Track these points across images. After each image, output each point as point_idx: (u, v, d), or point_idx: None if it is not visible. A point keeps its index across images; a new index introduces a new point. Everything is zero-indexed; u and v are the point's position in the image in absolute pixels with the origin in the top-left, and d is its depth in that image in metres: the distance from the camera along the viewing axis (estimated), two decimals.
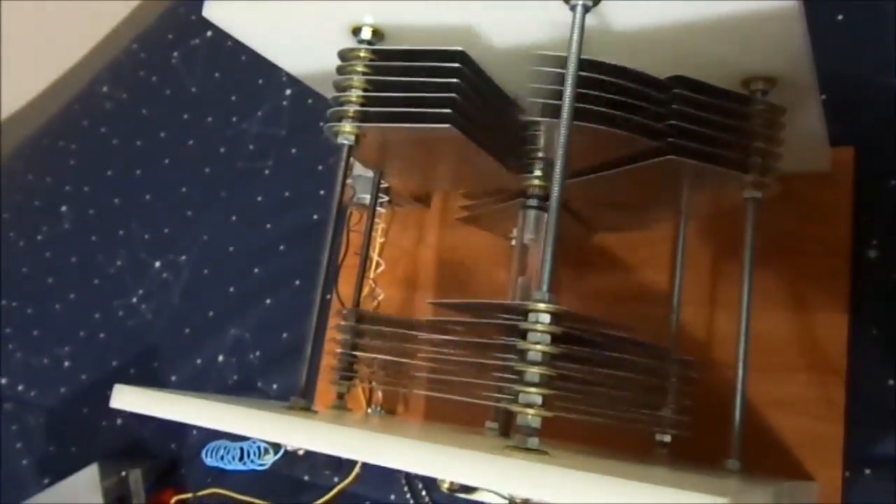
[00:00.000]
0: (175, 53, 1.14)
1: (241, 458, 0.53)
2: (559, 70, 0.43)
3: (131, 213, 1.10)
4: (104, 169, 1.16)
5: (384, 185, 0.78)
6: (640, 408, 0.48)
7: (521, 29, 0.47)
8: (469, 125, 0.47)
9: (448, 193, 0.81)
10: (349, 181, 0.81)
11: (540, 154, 0.54)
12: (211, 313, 0.98)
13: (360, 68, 0.49)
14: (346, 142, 0.49)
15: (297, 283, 0.92)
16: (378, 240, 0.80)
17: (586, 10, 0.43)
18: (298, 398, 0.45)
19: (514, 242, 0.61)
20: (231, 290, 0.97)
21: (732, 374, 0.51)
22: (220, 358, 0.95)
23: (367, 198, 0.76)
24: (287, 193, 0.97)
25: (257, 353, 0.93)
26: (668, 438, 0.56)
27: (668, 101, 0.46)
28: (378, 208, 0.79)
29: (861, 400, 0.59)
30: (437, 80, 0.47)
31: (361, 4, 0.49)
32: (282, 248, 0.95)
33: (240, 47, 1.02)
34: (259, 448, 0.50)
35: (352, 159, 0.80)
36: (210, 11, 0.52)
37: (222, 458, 0.55)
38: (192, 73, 1.11)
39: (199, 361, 0.96)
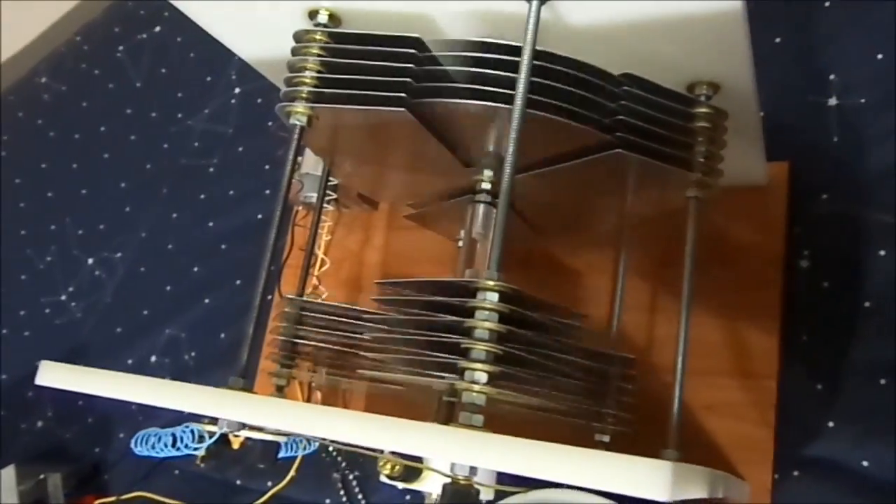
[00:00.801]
0: (121, 47, 1.11)
1: (173, 444, 0.52)
2: (514, 58, 0.44)
3: (65, 207, 1.06)
4: (38, 162, 1.12)
5: (332, 182, 0.78)
6: (584, 399, 0.48)
7: (477, 20, 0.48)
8: (422, 111, 0.47)
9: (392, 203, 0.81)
10: (297, 178, 0.81)
11: (491, 148, 0.54)
12: (145, 312, 0.95)
13: (315, 50, 0.49)
14: (297, 122, 0.49)
15: (238, 282, 0.90)
16: (324, 237, 0.80)
17: (542, 1, 0.44)
18: (238, 378, 0.44)
19: (461, 244, 0.61)
20: (168, 288, 0.94)
21: (670, 377, 0.52)
22: (153, 358, 0.92)
23: (314, 196, 0.75)
24: (232, 192, 0.95)
25: (193, 354, 0.90)
26: (606, 438, 0.57)
27: (617, 96, 0.47)
28: (325, 206, 0.79)
29: (791, 404, 0.61)
30: (393, 65, 0.47)
31: None
32: (224, 246, 0.93)
33: (189, 43, 1.01)
34: (193, 432, 0.48)
35: (300, 158, 0.81)
36: None
37: (153, 446, 0.53)
38: (137, 67, 1.09)
39: (130, 362, 0.93)
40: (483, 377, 0.37)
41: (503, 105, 0.44)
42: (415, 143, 0.52)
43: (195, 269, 0.94)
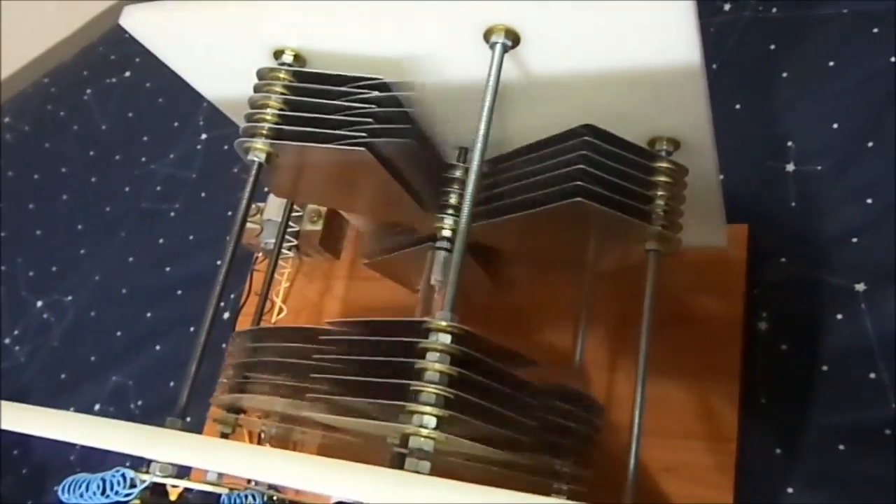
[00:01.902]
0: (88, 90, 1.11)
1: (103, 492, 0.49)
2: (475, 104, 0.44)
3: (18, 248, 1.03)
4: None
5: (294, 229, 0.77)
6: (539, 452, 0.46)
7: (441, 65, 0.48)
8: (384, 152, 0.47)
9: (357, 245, 0.80)
10: (258, 223, 0.79)
11: (453, 197, 0.54)
12: (93, 358, 0.91)
13: (278, 87, 0.48)
14: (256, 158, 0.48)
15: (192, 329, 0.87)
16: (283, 284, 0.78)
17: (505, 49, 0.45)
18: (175, 419, 0.42)
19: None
20: (118, 334, 0.91)
21: (628, 437, 0.50)
22: (97, 406, 0.88)
23: (273, 242, 0.74)
24: (192, 237, 0.93)
25: (139, 402, 0.86)
26: (564, 499, 0.55)
27: (578, 146, 0.47)
28: (286, 252, 0.77)
29: (750, 468, 0.59)
30: (355, 105, 0.47)
31: (286, 27, 0.49)
32: (179, 292, 0.91)
33: (158, 89, 1.01)
34: (125, 477, 0.45)
35: (262, 205, 0.80)
36: (127, 20, 0.51)
37: (81, 495, 0.50)
38: (104, 110, 1.08)
39: (72, 409, 0.88)
40: (432, 421, 0.36)
41: (462, 147, 0.44)
42: (376, 186, 0.52)
43: (148, 314, 0.91)
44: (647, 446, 0.51)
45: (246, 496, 0.52)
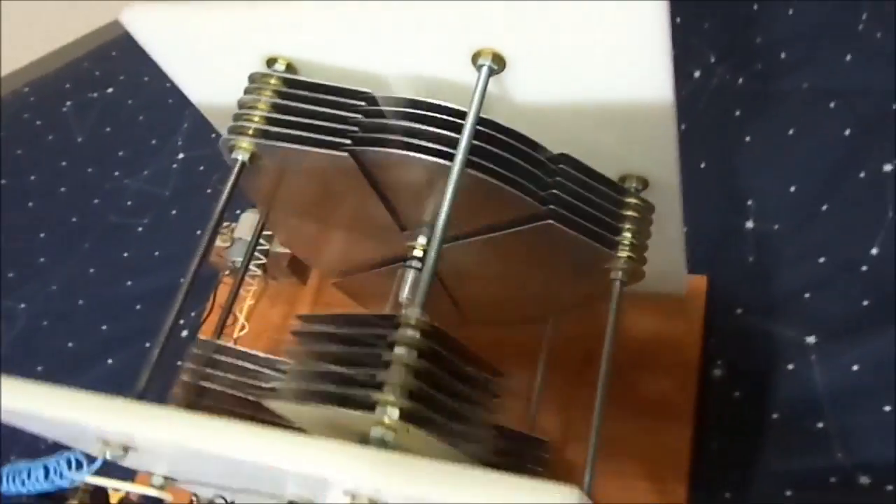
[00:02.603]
0: (68, 103, 1.11)
1: (46, 477, 0.47)
2: (458, 120, 0.46)
3: None
4: None
5: (263, 247, 0.77)
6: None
7: (426, 83, 0.50)
8: (365, 160, 0.48)
9: (324, 272, 0.81)
10: (226, 242, 0.79)
11: (426, 216, 0.55)
12: (40, 368, 0.89)
13: (268, 92, 0.50)
14: (240, 157, 0.49)
15: (147, 344, 0.86)
16: (247, 301, 0.77)
17: (491, 72, 0.47)
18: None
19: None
20: (70, 345, 0.89)
21: (581, 476, 0.51)
22: None
23: (241, 260, 0.74)
24: (157, 253, 0.92)
25: None
26: None
27: (553, 172, 0.49)
28: (254, 270, 0.77)
29: None
30: (342, 113, 0.48)
31: (281, 36, 0.51)
32: (138, 307, 0.89)
33: (140, 107, 1.02)
34: (69, 460, 0.44)
35: (234, 224, 0.80)
36: (127, 16, 0.52)
37: (24, 482, 0.48)
38: (82, 123, 1.08)
39: None
40: (395, 413, 0.36)
41: (442, 161, 0.46)
42: (355, 197, 0.53)
43: (103, 327, 0.89)
44: (601, 485, 0.51)
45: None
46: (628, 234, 0.52)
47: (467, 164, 0.45)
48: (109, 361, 0.86)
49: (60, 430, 0.45)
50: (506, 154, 0.47)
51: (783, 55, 0.79)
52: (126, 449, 0.42)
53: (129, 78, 1.06)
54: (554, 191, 0.49)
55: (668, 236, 0.60)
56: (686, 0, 0.84)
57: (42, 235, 0.99)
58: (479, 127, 0.46)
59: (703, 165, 0.76)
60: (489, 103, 0.48)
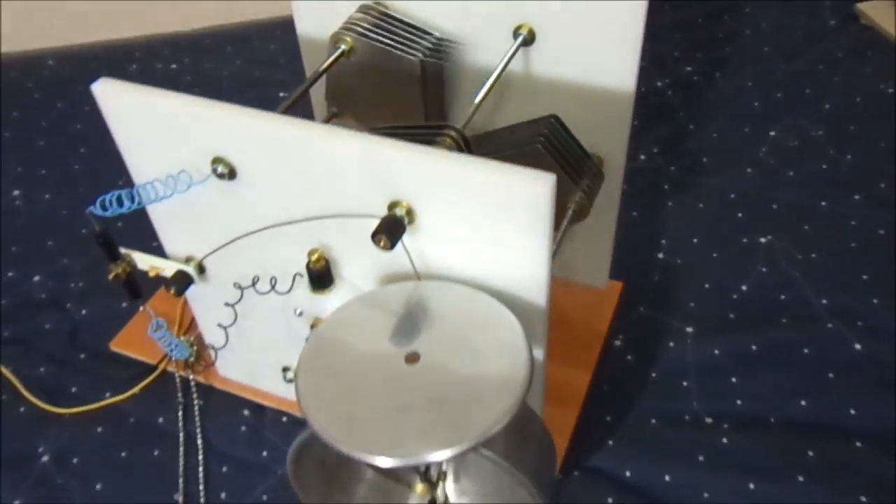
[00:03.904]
0: None
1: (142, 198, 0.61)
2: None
3: None
4: None
5: None
6: None
7: (475, 48, 0.74)
8: (425, 73, 0.70)
9: None
10: None
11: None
12: None
13: (372, 12, 0.72)
14: (342, 46, 0.70)
15: None
16: None
17: (524, 42, 0.71)
18: None
19: None
20: None
21: None
22: None
23: None
24: None
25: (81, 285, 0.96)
26: None
27: (547, 121, 0.72)
28: None
29: (586, 427, 0.77)
30: (417, 39, 0.71)
31: None
32: None
33: None
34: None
35: None
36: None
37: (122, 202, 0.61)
38: None
39: None
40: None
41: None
42: (404, 100, 0.74)
43: None
44: None
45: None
46: (586, 181, 0.74)
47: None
48: None
49: (172, 141, 0.59)
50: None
51: (704, 160, 1.07)
52: (233, 174, 0.58)
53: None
54: (545, 132, 0.71)
55: (604, 225, 0.83)
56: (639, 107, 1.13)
57: None
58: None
59: (634, 214, 1.00)
60: (511, 69, 0.71)
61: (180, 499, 0.74)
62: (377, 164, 0.52)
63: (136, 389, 0.84)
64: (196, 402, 0.83)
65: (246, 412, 0.82)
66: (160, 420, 0.82)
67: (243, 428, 0.80)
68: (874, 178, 1.02)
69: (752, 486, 0.71)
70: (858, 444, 0.73)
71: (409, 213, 0.54)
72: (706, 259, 0.94)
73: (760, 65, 1.22)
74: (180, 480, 0.76)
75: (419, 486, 0.66)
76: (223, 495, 0.75)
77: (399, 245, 0.56)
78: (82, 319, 0.93)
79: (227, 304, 0.71)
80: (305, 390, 0.49)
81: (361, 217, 0.55)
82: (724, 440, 0.75)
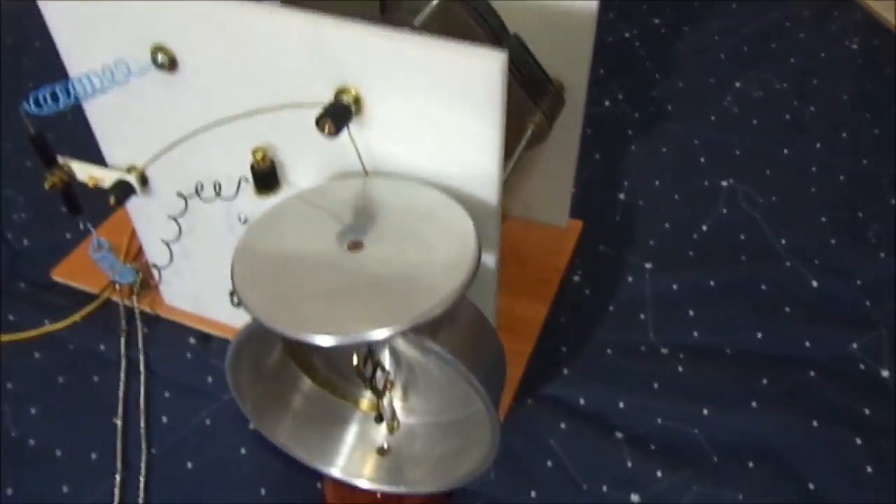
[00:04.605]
0: None
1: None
2: None
3: None
4: None
5: None
6: None
7: None
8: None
9: None
10: None
11: None
12: None
13: None
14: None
15: None
16: None
17: None
18: None
19: None
20: None
21: None
22: None
23: None
24: None
25: None
26: None
27: (511, 42, 0.70)
28: None
29: (541, 356, 0.75)
30: None
31: None
32: None
33: None
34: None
35: None
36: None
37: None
38: None
39: None
40: None
41: None
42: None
43: None
44: None
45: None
46: (546, 103, 0.72)
47: None
48: None
49: (109, 29, 0.55)
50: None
51: (668, 108, 1.06)
52: (174, 64, 0.56)
53: None
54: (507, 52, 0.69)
55: (564, 162, 0.81)
56: (605, 56, 1.12)
57: None
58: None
59: (597, 157, 0.99)
60: None
61: (119, 422, 0.71)
62: (323, 43, 0.50)
63: (76, 317, 0.81)
64: (140, 330, 0.80)
65: (192, 340, 0.79)
66: (101, 347, 0.78)
67: (189, 355, 0.77)
68: (835, 129, 1.02)
69: (705, 411, 0.70)
70: (812, 373, 0.73)
71: (357, 101, 0.52)
72: (667, 200, 0.93)
73: (727, 20, 1.21)
74: (119, 404, 0.73)
75: (364, 402, 0.65)
76: (164, 419, 0.72)
77: (347, 144, 0.54)
78: (23, 250, 0.90)
79: (170, 218, 0.68)
80: (241, 274, 0.47)
81: (307, 107, 0.53)
82: (680, 368, 0.74)
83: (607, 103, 1.07)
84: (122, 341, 0.78)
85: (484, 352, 0.55)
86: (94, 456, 0.69)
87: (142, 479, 0.67)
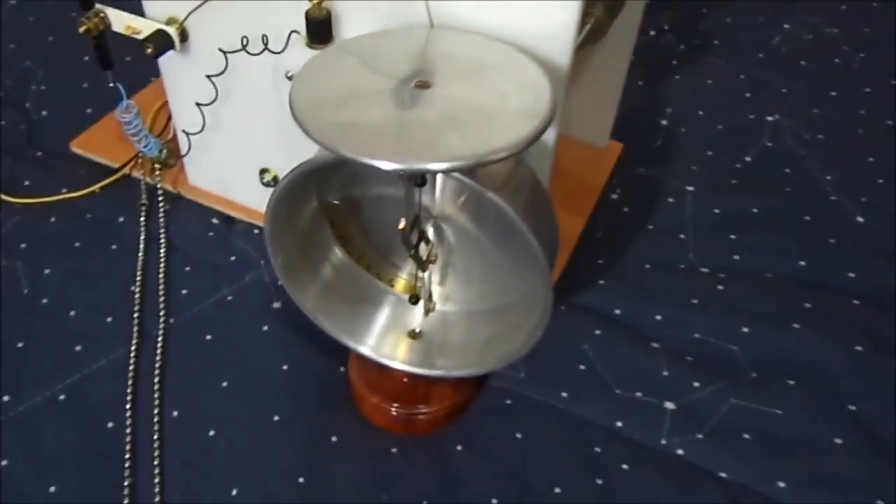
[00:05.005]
0: None
1: None
2: None
3: None
4: None
5: None
6: None
7: None
8: None
9: None
10: None
11: None
12: None
13: None
14: None
15: None
16: None
17: None
18: None
19: None
20: None
21: None
22: None
23: None
24: None
25: None
26: None
27: None
28: None
29: (578, 267, 0.73)
30: None
31: None
32: None
33: None
34: None
35: None
36: None
37: None
38: None
39: None
40: None
41: None
42: None
43: None
44: None
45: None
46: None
47: None
48: None
49: None
50: None
51: (715, 42, 1.03)
52: None
53: None
54: None
55: (611, 80, 0.78)
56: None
57: None
58: None
59: (640, 83, 0.96)
60: None
61: (137, 290, 0.68)
62: None
63: (95, 187, 0.78)
64: (161, 207, 0.76)
65: (215, 220, 0.76)
66: (120, 219, 0.75)
67: (211, 233, 0.74)
68: (885, 76, 0.99)
69: (745, 329, 0.68)
70: (856, 301, 0.71)
71: None
72: (710, 129, 0.90)
73: None
74: (138, 273, 0.70)
75: (400, 283, 0.62)
76: (184, 292, 0.69)
77: None
78: (42, 120, 0.86)
79: (207, 77, 0.65)
80: (301, 98, 0.44)
81: None
82: (720, 287, 0.72)
83: (652, 33, 1.04)
84: (142, 217, 0.75)
85: (543, 223, 0.52)
86: (109, 319, 0.66)
87: (159, 346, 0.64)
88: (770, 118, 0.92)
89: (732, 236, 0.77)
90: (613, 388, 0.64)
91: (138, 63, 0.77)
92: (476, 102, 0.44)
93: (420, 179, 0.49)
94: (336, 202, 0.57)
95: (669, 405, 0.63)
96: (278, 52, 0.59)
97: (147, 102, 0.84)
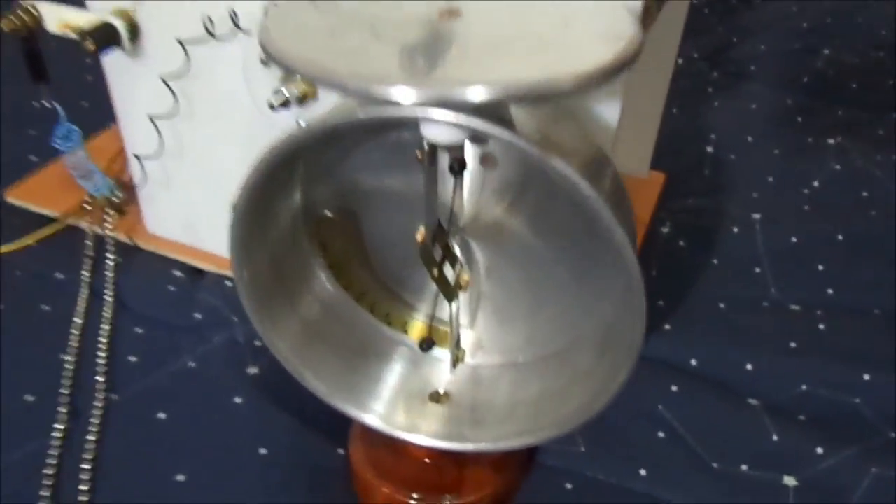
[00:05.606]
0: None
1: None
2: None
3: None
4: None
5: None
6: None
7: None
8: None
9: None
10: None
11: None
12: None
13: None
14: None
15: None
16: None
17: None
18: None
19: None
20: None
21: None
22: None
23: None
24: None
25: None
26: None
27: None
28: None
29: None
30: None
31: None
32: None
33: None
34: None
35: None
36: None
37: None
38: None
39: None
40: None
41: None
42: None
43: None
44: None
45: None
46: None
47: None
48: None
49: None
50: None
51: (752, 68, 0.92)
52: None
53: None
54: None
55: (650, 104, 0.67)
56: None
57: None
58: None
59: (674, 110, 0.84)
60: None
61: (68, 357, 0.52)
62: None
63: (29, 240, 0.63)
64: (111, 259, 0.61)
65: (177, 273, 0.61)
66: (57, 275, 0.60)
67: (172, 288, 0.59)
68: None
69: (865, 376, 0.52)
70: None
71: None
72: (766, 155, 0.77)
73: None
74: (73, 338, 0.54)
75: (416, 327, 0.46)
76: (132, 359, 0.53)
77: None
78: None
79: (163, 80, 0.51)
80: (278, 24, 0.30)
81: None
82: (821, 326, 0.57)
83: (681, 61, 0.93)
84: (86, 270, 0.60)
85: (629, 223, 0.37)
86: (29, 398, 0.50)
87: (92, 431, 0.48)
88: (832, 140, 0.79)
89: (820, 267, 0.63)
90: (709, 462, 0.47)
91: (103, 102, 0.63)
92: (528, 28, 0.31)
93: (459, 160, 0.34)
94: (329, 214, 0.43)
95: (790, 480, 0.46)
96: (251, 34, 0.46)
97: (104, 147, 0.70)
